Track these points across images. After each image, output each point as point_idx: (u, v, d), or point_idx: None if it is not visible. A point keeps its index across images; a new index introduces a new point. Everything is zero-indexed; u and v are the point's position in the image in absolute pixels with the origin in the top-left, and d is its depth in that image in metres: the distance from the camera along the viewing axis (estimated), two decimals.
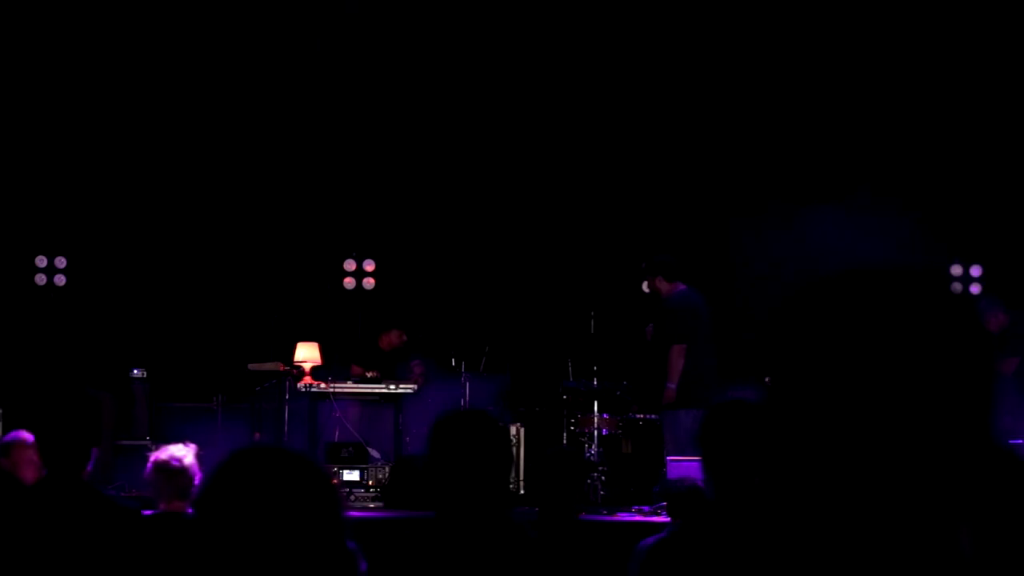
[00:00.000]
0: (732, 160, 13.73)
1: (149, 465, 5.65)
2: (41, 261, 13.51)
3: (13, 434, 6.41)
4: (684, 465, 8.98)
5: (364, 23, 13.63)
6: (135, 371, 12.34)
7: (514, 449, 11.34)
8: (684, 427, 9.86)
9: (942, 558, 1.39)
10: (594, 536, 6.41)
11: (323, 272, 13.96)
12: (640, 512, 10.14)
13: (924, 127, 13.77)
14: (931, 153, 13.75)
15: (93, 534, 3.96)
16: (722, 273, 13.13)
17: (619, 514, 10.10)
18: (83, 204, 13.50)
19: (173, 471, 5.55)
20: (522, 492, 10.98)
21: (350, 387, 11.43)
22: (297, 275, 13.83)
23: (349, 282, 14.06)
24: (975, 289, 13.94)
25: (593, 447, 11.27)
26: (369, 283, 14.08)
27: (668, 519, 7.37)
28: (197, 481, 5.50)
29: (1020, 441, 8.86)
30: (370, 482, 10.75)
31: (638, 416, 11.52)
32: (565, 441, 11.48)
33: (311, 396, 11.20)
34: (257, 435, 11.79)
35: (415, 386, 11.50)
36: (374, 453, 11.12)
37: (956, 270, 14.04)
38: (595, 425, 11.38)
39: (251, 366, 11.82)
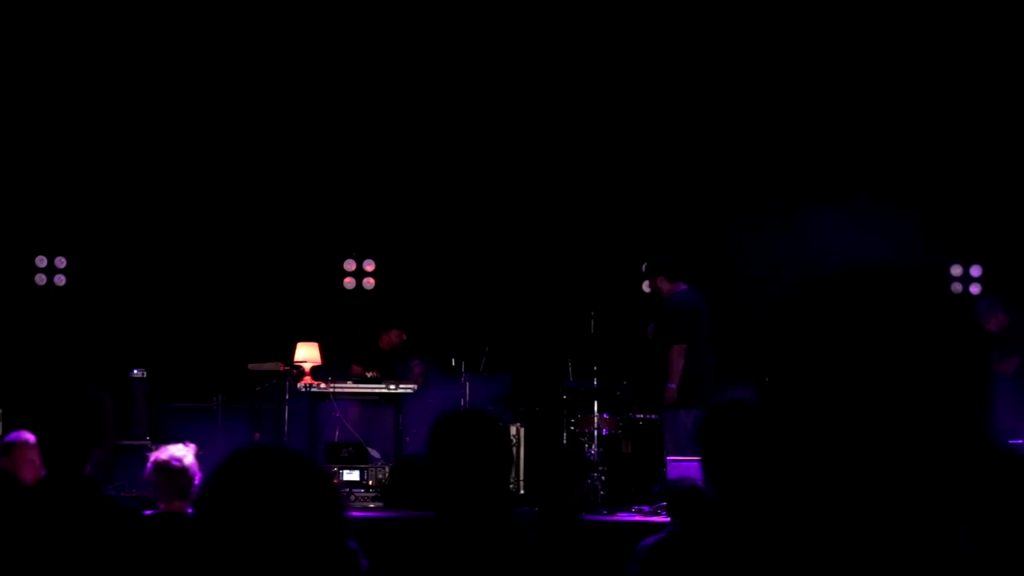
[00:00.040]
0: (732, 160, 13.73)
1: (149, 465, 5.65)
2: (41, 261, 13.51)
3: (15, 434, 6.41)
4: (684, 465, 8.98)
5: (364, 23, 13.63)
6: (135, 371, 12.33)
7: (514, 449, 11.33)
8: (684, 427, 9.86)
9: (942, 558, 1.39)
10: (594, 536, 6.41)
11: (323, 272, 13.96)
12: (640, 512, 10.15)
13: (924, 127, 13.77)
14: (931, 153, 13.75)
15: (93, 534, 3.96)
16: (722, 273, 13.13)
17: (619, 514, 10.10)
18: (83, 204, 13.50)
19: (173, 471, 5.55)
20: (522, 492, 10.98)
21: (350, 387, 11.43)
22: (297, 275, 13.83)
23: (349, 282, 14.06)
24: (975, 289, 13.94)
25: (593, 447, 11.27)
26: (369, 283, 14.08)
27: (668, 519, 7.36)
28: (197, 481, 5.50)
29: (1020, 441, 8.86)
30: (370, 482, 10.75)
31: (638, 416, 11.52)
32: (565, 441, 11.48)
33: (311, 396, 11.20)
34: (257, 435, 11.79)
35: (415, 386, 11.50)
36: (374, 453, 11.12)
37: (956, 270, 14.03)
38: (595, 425, 11.38)
39: (251, 366, 11.82)
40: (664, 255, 11.03)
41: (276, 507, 2.06)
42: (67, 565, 3.92)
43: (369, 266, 14.10)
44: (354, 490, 10.60)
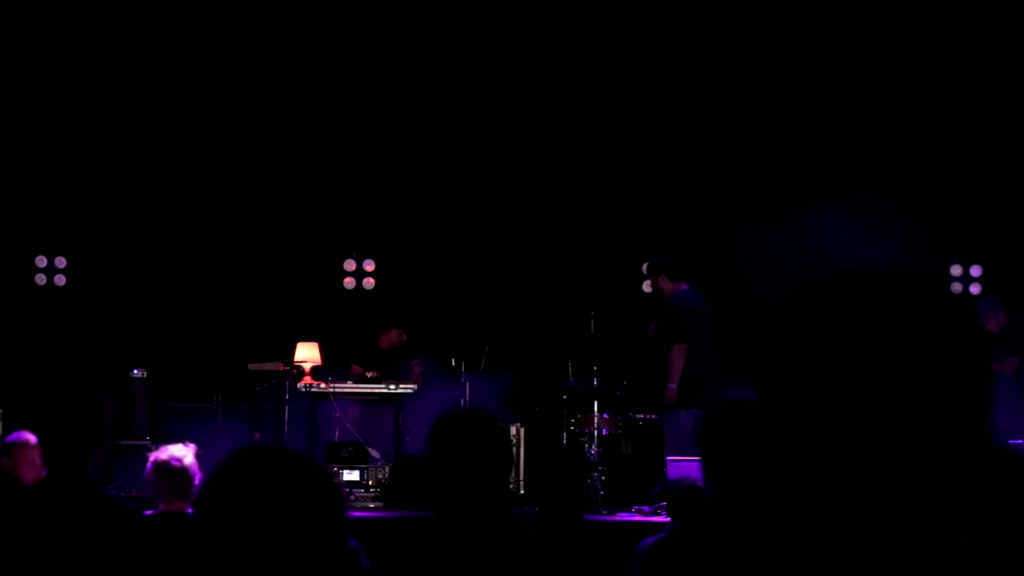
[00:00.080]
0: (732, 160, 13.73)
1: (149, 465, 5.65)
2: (41, 261, 13.51)
3: (15, 434, 6.41)
4: (684, 465, 8.98)
5: (364, 23, 13.63)
6: (135, 371, 12.34)
7: (514, 449, 11.33)
8: (684, 427, 9.86)
9: (942, 558, 1.39)
10: (594, 536, 6.41)
11: (323, 272, 13.96)
12: (640, 512, 10.15)
13: (924, 127, 13.77)
14: (931, 153, 13.75)
15: (94, 535, 3.96)
16: (722, 273, 13.13)
17: (619, 514, 10.11)
18: (83, 204, 13.50)
19: (173, 471, 5.55)
20: (522, 492, 10.98)
21: (350, 387, 11.43)
22: (297, 275, 13.83)
23: (349, 282, 14.06)
24: (975, 289, 13.94)
25: (593, 447, 11.27)
26: (369, 283, 14.08)
27: (668, 519, 7.37)
28: (197, 481, 5.50)
29: (1020, 441, 8.86)
30: (370, 482, 10.75)
31: (638, 416, 11.52)
32: (565, 441, 11.48)
33: (311, 396, 11.20)
34: (257, 435, 11.79)
35: (415, 386, 11.50)
36: (374, 453, 11.12)
37: (956, 270, 14.03)
38: (595, 425, 11.38)
39: (251, 366, 11.83)
40: (666, 255, 11.04)
41: (276, 507, 2.06)
42: (68, 565, 3.92)
43: (369, 266, 14.10)
44: (354, 490, 10.60)
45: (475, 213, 14.01)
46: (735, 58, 13.66)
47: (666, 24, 13.74)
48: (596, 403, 11.56)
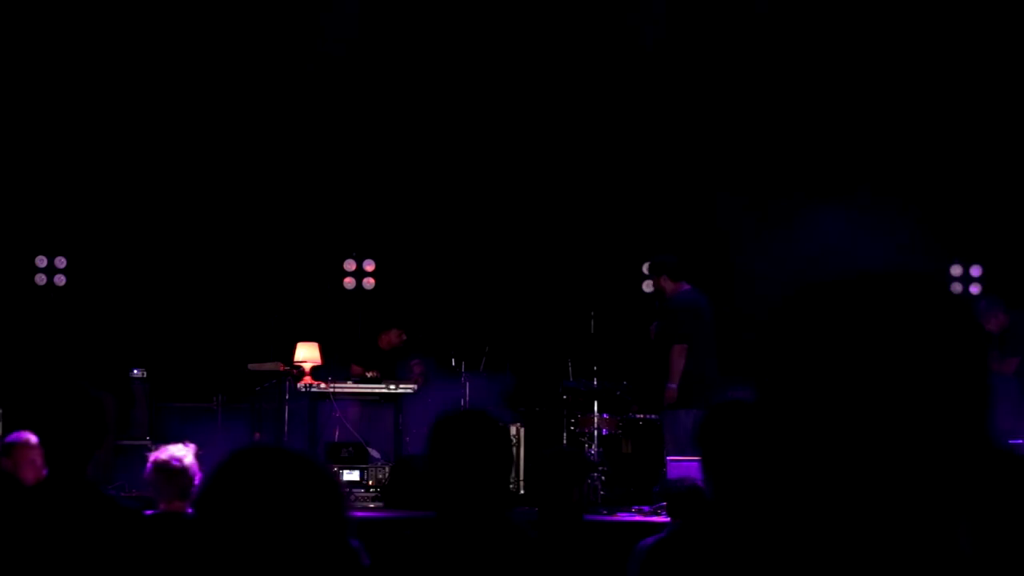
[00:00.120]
0: (732, 160, 13.73)
1: (149, 465, 5.65)
2: (41, 261, 13.51)
3: (16, 434, 6.40)
4: (684, 465, 8.98)
5: (364, 23, 13.63)
6: (135, 371, 12.34)
7: (514, 449, 11.33)
8: (684, 427, 9.86)
9: (942, 558, 1.39)
10: (594, 536, 6.41)
11: (323, 272, 13.96)
12: (640, 512, 10.15)
13: (924, 127, 13.77)
14: (931, 153, 13.75)
15: (94, 535, 3.96)
16: (722, 273, 13.13)
17: (619, 514, 10.11)
18: (83, 204, 13.50)
19: (173, 471, 5.55)
20: (522, 492, 10.98)
21: (350, 387, 11.43)
22: (297, 275, 13.83)
23: (349, 282, 14.06)
24: (975, 289, 13.94)
25: (593, 447, 11.27)
26: (369, 283, 14.08)
27: (668, 519, 7.37)
28: (197, 481, 5.50)
29: (1020, 441, 8.86)
30: (370, 482, 10.75)
31: (638, 416, 11.52)
32: (565, 441, 11.48)
33: (311, 396, 11.20)
34: (257, 435, 11.79)
35: (415, 386, 11.50)
36: (374, 453, 11.12)
37: (956, 270, 14.03)
38: (595, 425, 11.38)
39: (251, 366, 11.83)
40: (668, 255, 11.05)
41: (276, 507, 2.06)
42: (68, 565, 3.92)
43: (369, 266, 14.10)
44: (354, 490, 10.60)
45: (475, 213, 14.01)
46: (735, 58, 13.66)
47: (666, 24, 13.74)
48: (596, 403, 11.56)
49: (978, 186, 13.72)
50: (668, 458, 9.98)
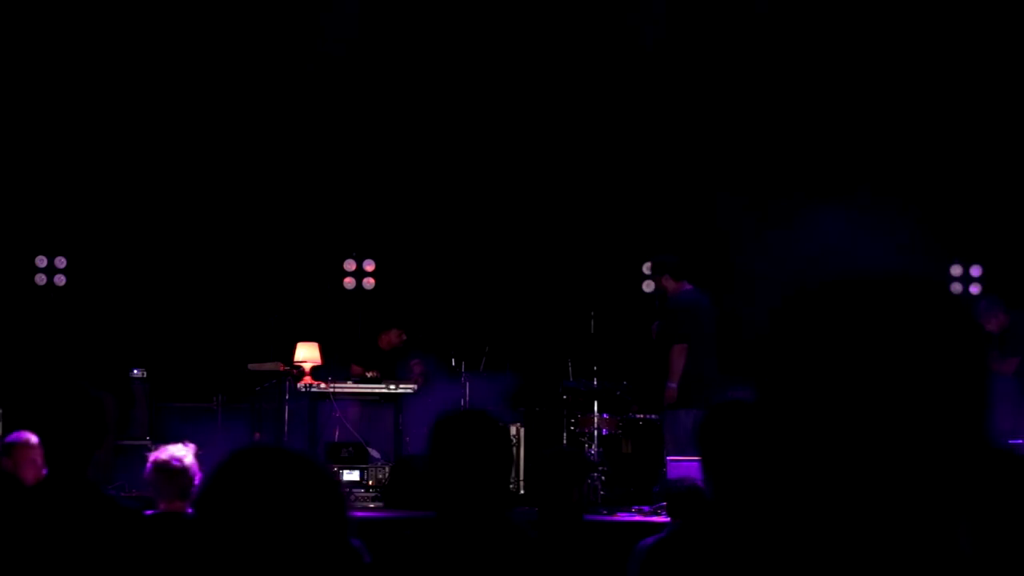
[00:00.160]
0: (732, 160, 13.73)
1: (149, 465, 5.65)
2: (41, 261, 13.51)
3: (16, 434, 6.40)
4: (684, 465, 8.98)
5: (364, 23, 13.63)
6: (135, 371, 12.34)
7: (514, 449, 11.33)
8: (684, 427, 9.86)
9: (942, 558, 1.39)
10: (594, 536, 6.41)
11: (323, 272, 13.96)
12: (640, 512, 10.15)
13: (924, 127, 13.77)
14: (931, 153, 13.74)
15: (94, 535, 3.96)
16: (722, 273, 13.12)
17: (619, 514, 10.11)
18: (83, 204, 13.50)
19: (173, 471, 5.55)
20: (522, 492, 10.98)
21: (350, 387, 11.43)
22: (297, 275, 13.83)
23: (349, 282, 14.06)
24: (975, 289, 13.94)
25: (593, 447, 11.27)
26: (369, 283, 14.08)
27: (668, 519, 7.37)
28: (197, 481, 5.50)
29: (1020, 441, 8.86)
30: (370, 482, 10.76)
31: (638, 416, 11.52)
32: (565, 441, 11.48)
33: (311, 396, 11.20)
34: (257, 435, 11.79)
35: (415, 386, 11.50)
36: (374, 453, 11.12)
37: (956, 270, 14.03)
38: (595, 425, 11.38)
39: (251, 366, 11.83)
40: (669, 254, 11.06)
41: (276, 507, 2.06)
42: (68, 565, 3.92)
43: (369, 266, 14.10)
44: (354, 490, 10.60)
45: (475, 213, 14.01)
46: (735, 58, 13.66)
47: (666, 24, 13.74)
48: (596, 403, 11.56)
49: (978, 186, 13.72)
50: (668, 458, 9.98)
